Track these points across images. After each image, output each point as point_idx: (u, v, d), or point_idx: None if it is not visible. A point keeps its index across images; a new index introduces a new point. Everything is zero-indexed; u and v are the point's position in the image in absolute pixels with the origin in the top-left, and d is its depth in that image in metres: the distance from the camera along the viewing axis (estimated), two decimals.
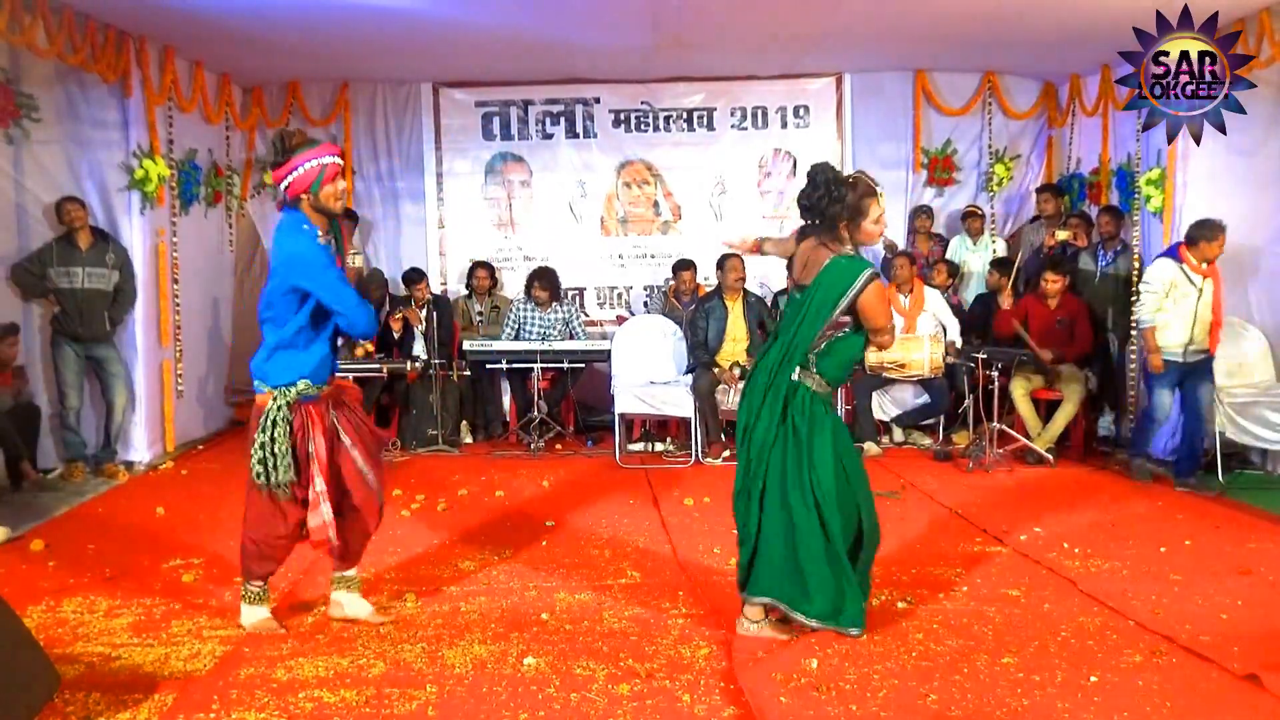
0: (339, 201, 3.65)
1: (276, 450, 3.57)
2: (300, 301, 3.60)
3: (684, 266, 8.00)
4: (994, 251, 8.27)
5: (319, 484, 3.66)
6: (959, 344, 7.20)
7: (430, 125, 8.58)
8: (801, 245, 3.77)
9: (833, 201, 3.60)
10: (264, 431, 3.59)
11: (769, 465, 3.69)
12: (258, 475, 3.60)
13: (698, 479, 6.47)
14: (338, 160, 3.64)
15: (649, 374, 7.36)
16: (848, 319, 3.64)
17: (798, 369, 3.66)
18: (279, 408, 3.60)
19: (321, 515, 3.67)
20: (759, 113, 8.69)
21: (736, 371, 7.07)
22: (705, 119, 8.69)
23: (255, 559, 3.76)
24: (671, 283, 8.19)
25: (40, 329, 6.61)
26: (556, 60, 7.94)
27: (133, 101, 6.67)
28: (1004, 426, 6.84)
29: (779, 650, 3.57)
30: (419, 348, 7.72)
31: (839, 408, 7.53)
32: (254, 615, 3.81)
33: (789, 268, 3.85)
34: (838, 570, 3.62)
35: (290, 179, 3.58)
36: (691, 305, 7.62)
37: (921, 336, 6.28)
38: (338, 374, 3.88)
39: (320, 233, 3.63)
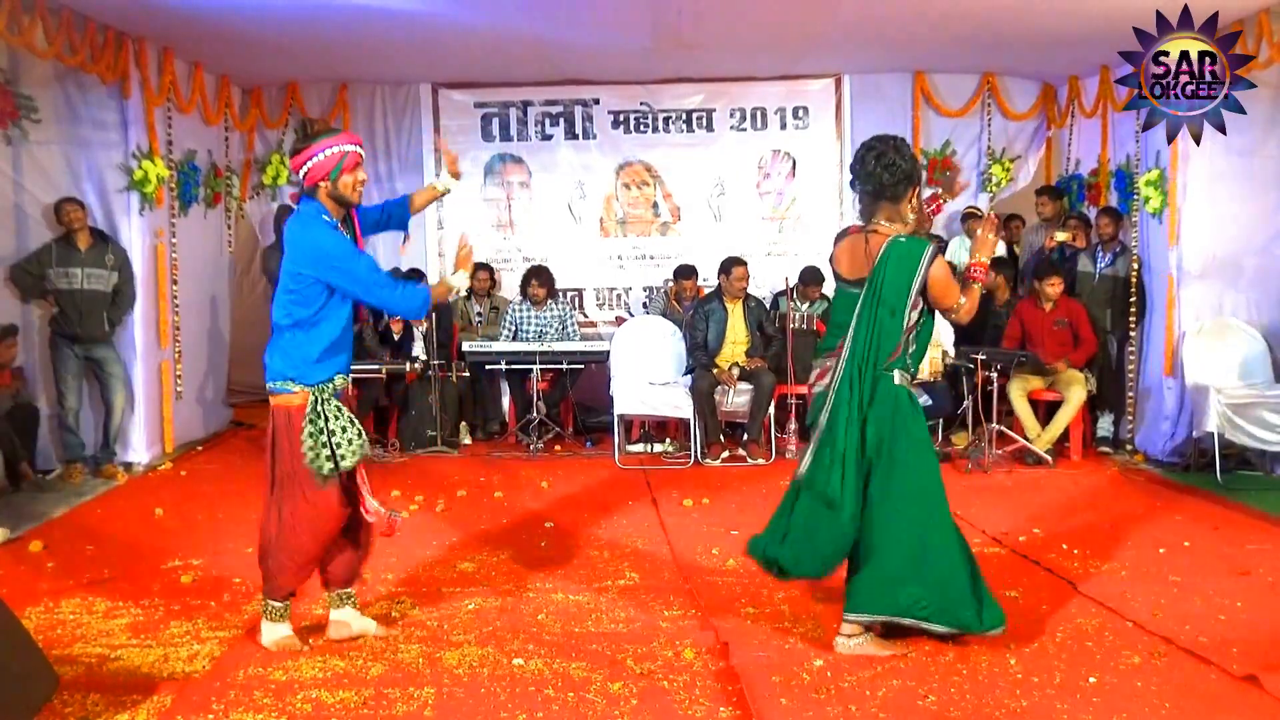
0: (357, 191, 3.59)
1: (343, 432, 3.51)
2: (329, 294, 3.53)
3: (686, 274, 7.99)
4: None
5: (362, 480, 3.62)
6: (952, 353, 7.18)
7: (429, 126, 8.57)
8: (843, 244, 3.63)
9: (911, 168, 3.51)
10: (316, 421, 3.49)
11: (887, 475, 3.49)
12: (323, 467, 3.48)
13: (697, 480, 6.47)
14: (358, 150, 3.58)
15: (648, 375, 7.36)
16: (920, 304, 3.49)
17: (897, 373, 3.49)
18: (324, 400, 3.53)
19: (374, 501, 3.63)
20: (758, 114, 8.69)
21: (735, 372, 7.08)
22: (704, 120, 8.69)
23: (291, 573, 3.63)
24: (672, 285, 8.19)
25: (39, 330, 6.60)
26: (556, 61, 7.94)
27: (132, 102, 6.67)
28: (1003, 428, 6.84)
29: (779, 652, 3.57)
30: (418, 348, 7.73)
31: None
32: (278, 633, 3.67)
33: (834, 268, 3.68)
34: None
35: (309, 165, 3.51)
36: (691, 308, 7.62)
37: None
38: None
39: (339, 225, 3.59)
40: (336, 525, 3.64)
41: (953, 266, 6.91)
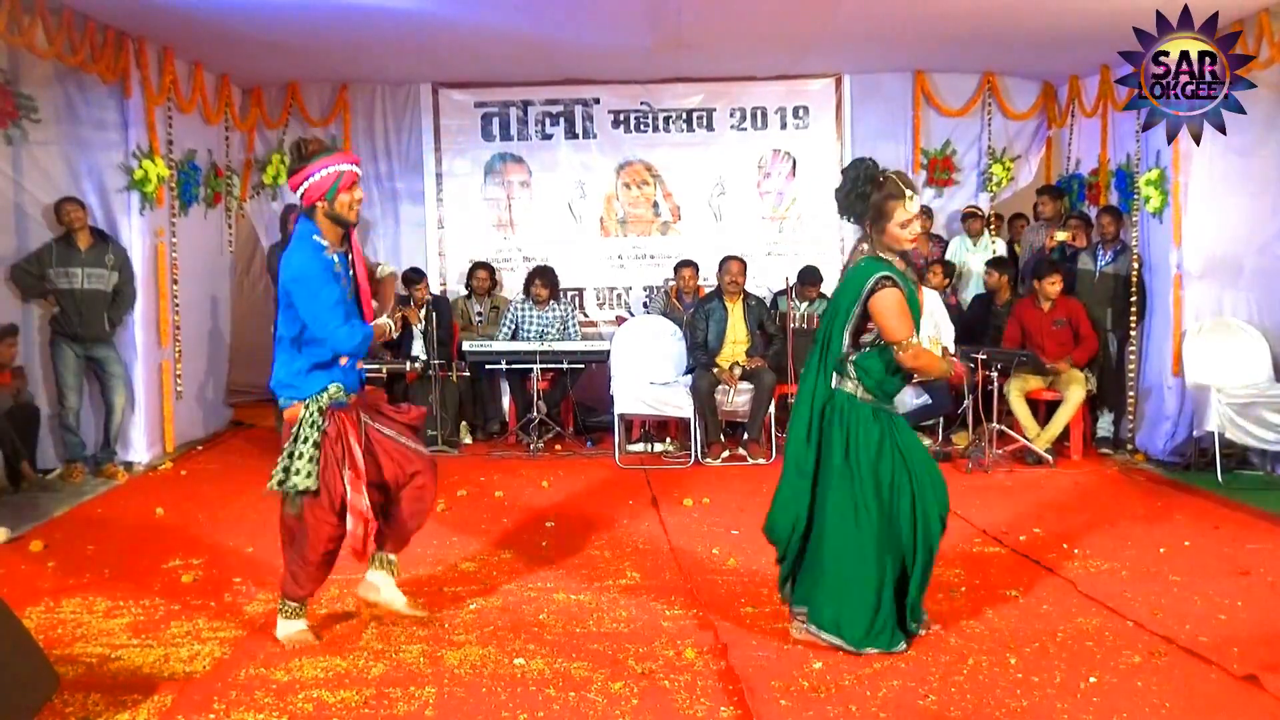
0: (354, 211, 3.59)
1: (302, 456, 3.51)
2: None
3: (686, 264, 8.02)
4: (993, 251, 8.28)
5: (350, 493, 3.57)
6: (953, 350, 7.18)
7: (429, 126, 8.57)
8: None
9: (857, 199, 3.53)
10: (293, 440, 3.52)
11: (824, 483, 3.58)
12: (278, 482, 3.51)
13: (697, 480, 6.47)
14: (355, 169, 3.59)
15: (649, 374, 7.36)
16: (874, 326, 3.53)
17: (835, 375, 3.58)
18: (311, 414, 3.55)
19: (359, 521, 3.59)
20: (758, 113, 8.69)
21: (737, 371, 7.08)
22: (705, 119, 8.68)
23: (302, 581, 3.68)
24: (673, 283, 8.20)
25: (40, 330, 6.61)
26: (556, 60, 7.94)
27: (132, 102, 6.67)
28: (1003, 427, 6.84)
29: (779, 652, 3.57)
30: (418, 348, 7.72)
31: None
32: (290, 628, 3.70)
33: None
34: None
35: (306, 185, 3.53)
36: (692, 307, 7.62)
37: (922, 338, 6.27)
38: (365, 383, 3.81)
39: (331, 245, 3.59)
40: (323, 543, 3.63)
41: (950, 265, 6.66)
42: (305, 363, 3.58)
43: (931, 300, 7.54)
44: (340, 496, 3.57)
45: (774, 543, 3.72)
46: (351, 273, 3.68)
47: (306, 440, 3.53)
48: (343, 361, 3.64)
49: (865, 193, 3.52)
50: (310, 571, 3.67)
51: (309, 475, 3.52)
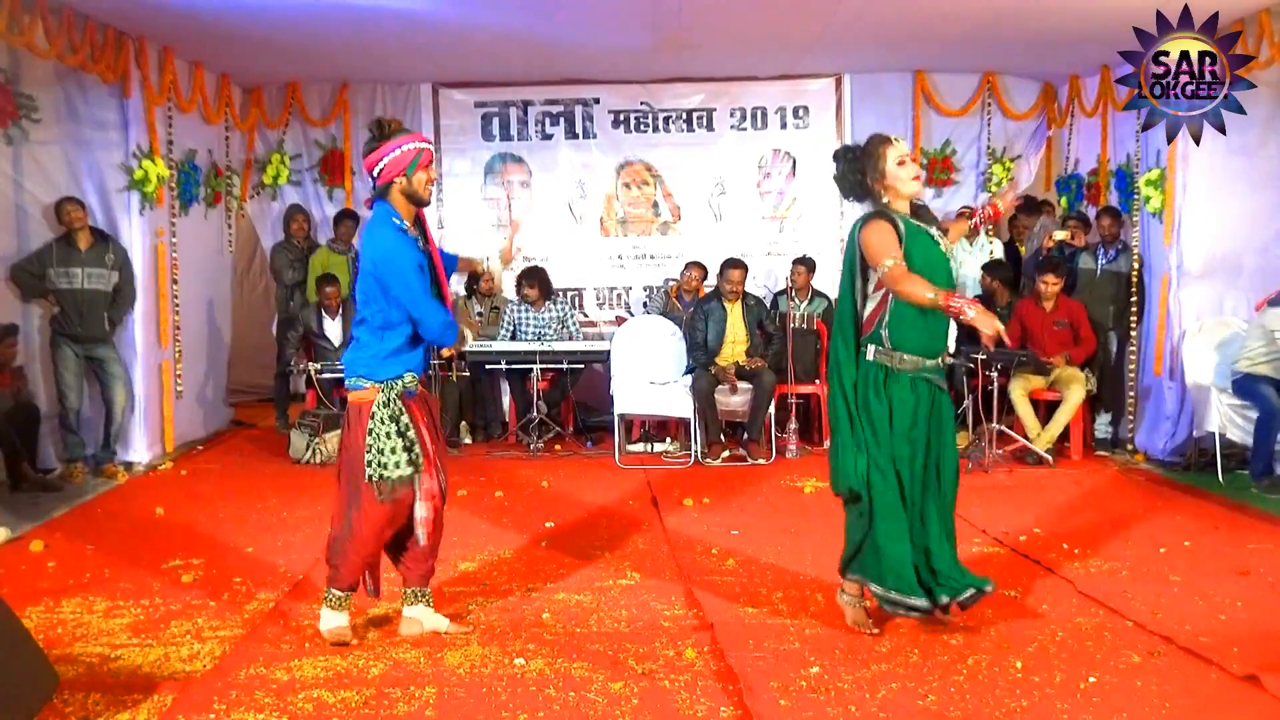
0: (428, 189, 3.63)
1: (393, 446, 3.54)
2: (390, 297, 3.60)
3: (695, 264, 8.02)
4: (990, 253, 8.27)
5: (427, 480, 3.66)
6: (952, 350, 7.17)
7: (429, 126, 8.56)
8: None
9: (850, 170, 3.63)
10: (373, 434, 3.54)
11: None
12: (378, 476, 3.53)
13: (697, 480, 6.47)
14: (430, 148, 3.65)
15: (648, 374, 7.35)
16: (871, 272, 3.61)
17: (871, 348, 3.63)
18: (389, 400, 3.57)
19: (428, 508, 3.69)
20: (759, 113, 8.69)
21: (732, 370, 7.08)
22: (705, 119, 8.69)
23: (356, 568, 3.70)
24: (674, 282, 8.19)
25: (40, 329, 6.61)
26: (556, 60, 7.94)
27: (132, 102, 6.67)
28: (1003, 427, 6.84)
29: (779, 652, 3.58)
30: None
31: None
32: (334, 621, 3.70)
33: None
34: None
35: (385, 161, 3.55)
36: (691, 307, 7.62)
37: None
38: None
39: (409, 225, 3.63)
40: (401, 523, 3.69)
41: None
42: (386, 348, 3.60)
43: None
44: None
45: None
46: (428, 253, 3.69)
47: (389, 430, 3.55)
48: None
49: (854, 160, 3.63)
50: (368, 558, 3.70)
51: (405, 463, 3.56)
